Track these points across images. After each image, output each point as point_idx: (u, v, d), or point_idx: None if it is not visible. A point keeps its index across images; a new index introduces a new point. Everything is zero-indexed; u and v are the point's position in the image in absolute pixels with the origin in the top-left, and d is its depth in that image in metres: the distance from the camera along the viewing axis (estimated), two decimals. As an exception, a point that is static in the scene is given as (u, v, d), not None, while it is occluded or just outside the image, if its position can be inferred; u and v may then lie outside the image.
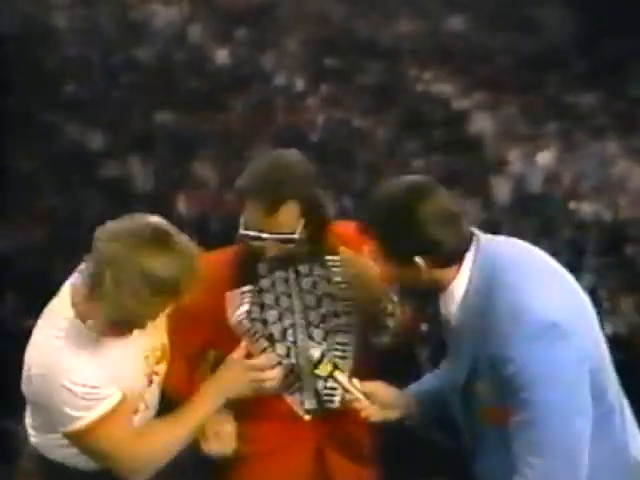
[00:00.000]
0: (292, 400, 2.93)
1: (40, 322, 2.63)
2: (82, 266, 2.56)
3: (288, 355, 2.90)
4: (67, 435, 2.58)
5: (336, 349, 2.94)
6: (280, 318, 2.90)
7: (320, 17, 8.37)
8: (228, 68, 7.75)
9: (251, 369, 2.65)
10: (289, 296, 2.91)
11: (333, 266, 2.96)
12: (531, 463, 2.43)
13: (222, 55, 7.85)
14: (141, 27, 8.13)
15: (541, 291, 2.46)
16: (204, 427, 2.74)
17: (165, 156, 6.62)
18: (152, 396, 2.72)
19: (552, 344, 2.40)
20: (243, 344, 2.67)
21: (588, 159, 6.80)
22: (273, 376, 2.67)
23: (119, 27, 8.04)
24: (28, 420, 2.75)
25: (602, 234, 5.92)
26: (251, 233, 2.76)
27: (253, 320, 2.88)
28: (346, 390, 2.73)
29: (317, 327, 2.92)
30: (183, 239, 2.51)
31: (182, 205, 6.28)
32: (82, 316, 2.53)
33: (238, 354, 2.65)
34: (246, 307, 2.85)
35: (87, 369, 2.54)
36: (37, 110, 6.98)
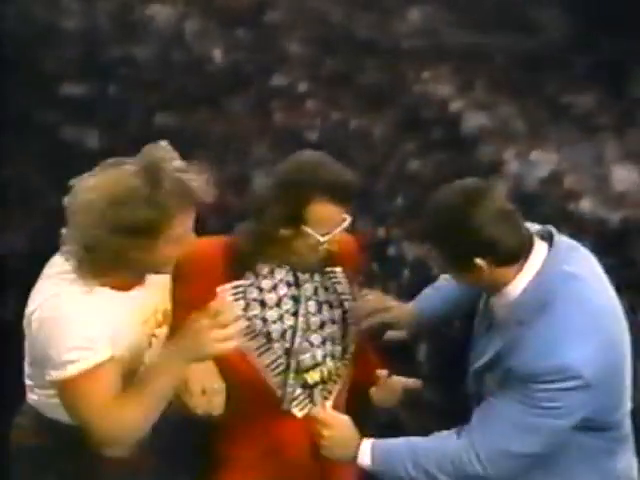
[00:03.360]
0: (284, 400, 2.93)
1: (44, 274, 2.64)
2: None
3: (285, 355, 2.91)
4: (53, 384, 2.58)
5: (333, 356, 2.95)
6: (281, 319, 2.90)
7: (319, 17, 8.36)
8: (227, 68, 7.74)
9: (214, 327, 2.58)
10: (293, 299, 2.91)
11: (331, 277, 2.97)
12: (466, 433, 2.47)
13: (221, 55, 7.83)
14: (140, 27, 8.11)
15: (581, 343, 2.47)
16: (189, 384, 2.70)
17: (163, 156, 6.60)
18: (151, 359, 2.71)
19: (567, 389, 2.42)
20: (210, 305, 2.62)
21: (586, 159, 6.79)
22: (235, 332, 2.61)
23: (118, 27, 8.02)
24: (27, 376, 2.75)
25: (601, 234, 5.92)
26: (332, 234, 2.79)
27: (252, 317, 2.87)
28: (313, 404, 2.74)
29: (315, 332, 2.92)
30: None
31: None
32: (76, 270, 2.56)
33: (198, 314, 2.59)
34: (241, 303, 2.84)
35: (87, 319, 2.55)
36: (34, 110, 6.97)
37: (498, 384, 2.53)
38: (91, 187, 2.57)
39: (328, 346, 2.94)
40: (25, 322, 2.64)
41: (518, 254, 2.54)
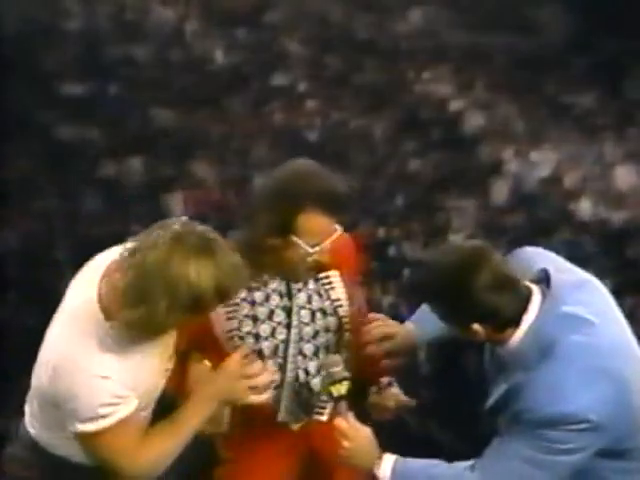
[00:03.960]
0: (280, 413, 2.92)
1: (61, 316, 2.61)
2: (115, 256, 2.54)
3: (278, 371, 2.89)
4: (75, 434, 2.57)
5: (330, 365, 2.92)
6: (273, 333, 2.88)
7: (319, 17, 8.35)
8: (227, 68, 7.74)
9: (244, 376, 2.65)
10: (284, 309, 2.89)
11: (325, 283, 2.95)
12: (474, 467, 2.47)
13: (221, 55, 7.83)
14: (140, 27, 8.11)
15: (585, 386, 2.44)
16: None
17: (163, 156, 6.61)
18: (159, 392, 2.74)
19: (576, 430, 2.41)
20: (237, 352, 2.66)
21: (586, 159, 6.79)
22: (265, 382, 2.68)
23: (118, 27, 8.02)
24: (30, 414, 2.73)
25: (601, 234, 5.92)
26: (322, 245, 2.76)
27: (246, 334, 2.86)
28: (338, 415, 2.73)
29: (308, 342, 2.90)
30: (224, 245, 2.49)
31: (180, 205, 6.28)
32: (107, 314, 2.53)
33: (233, 361, 2.65)
34: (234, 323, 2.83)
35: (113, 373, 2.54)
36: (33, 109, 6.97)
37: (508, 424, 2.53)
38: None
39: (322, 355, 2.92)
40: (42, 360, 2.60)
41: (516, 320, 2.51)
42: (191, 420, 2.63)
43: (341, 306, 2.94)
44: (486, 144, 6.94)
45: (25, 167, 6.38)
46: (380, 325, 2.94)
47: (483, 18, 8.38)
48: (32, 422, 2.74)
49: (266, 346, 2.87)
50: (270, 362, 2.86)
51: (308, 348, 2.91)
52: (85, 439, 2.58)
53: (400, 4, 8.57)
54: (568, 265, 2.67)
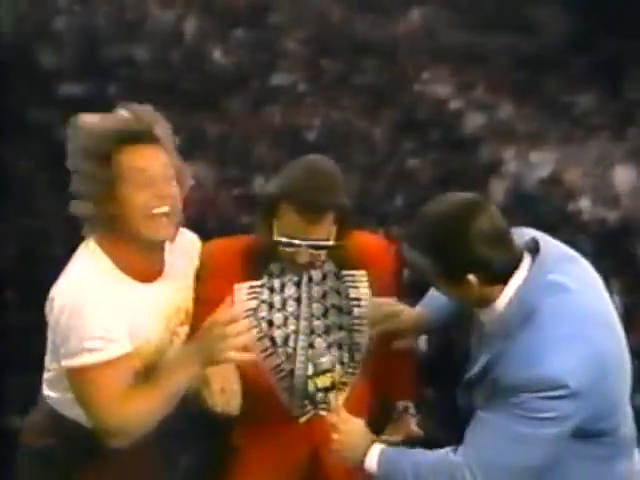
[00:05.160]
0: (287, 403, 2.93)
1: (74, 259, 2.64)
2: None
3: (288, 360, 2.89)
4: (66, 370, 2.58)
5: (340, 363, 2.93)
6: (285, 323, 2.89)
7: (319, 17, 8.36)
8: (226, 68, 7.74)
9: (225, 335, 2.60)
10: (296, 300, 2.90)
11: (347, 281, 2.94)
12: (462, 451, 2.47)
13: (220, 55, 7.84)
14: (140, 27, 8.12)
15: (565, 352, 2.44)
16: (210, 382, 2.75)
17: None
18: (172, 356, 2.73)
19: (554, 397, 2.40)
20: (220, 310, 2.63)
21: (586, 159, 6.79)
22: (243, 328, 2.62)
23: (117, 26, 8.02)
24: (45, 373, 2.75)
25: (601, 234, 5.92)
26: (290, 241, 2.73)
27: (260, 319, 2.87)
28: (328, 410, 2.73)
29: (319, 337, 2.90)
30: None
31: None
32: (103, 246, 2.57)
33: (214, 319, 2.62)
34: (254, 303, 2.84)
35: (108, 309, 2.55)
36: (33, 109, 6.97)
37: (486, 397, 2.52)
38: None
39: (334, 352, 2.92)
40: (47, 307, 2.63)
41: (509, 273, 2.51)
42: (174, 377, 2.59)
43: (359, 306, 2.94)
44: (486, 144, 6.94)
45: (25, 167, 6.38)
46: (382, 305, 2.94)
47: (483, 18, 8.39)
48: (47, 378, 2.75)
49: (278, 334, 2.88)
50: (281, 350, 2.87)
51: (319, 342, 2.91)
52: (71, 378, 2.58)
53: (400, 4, 8.57)
54: (558, 242, 2.69)
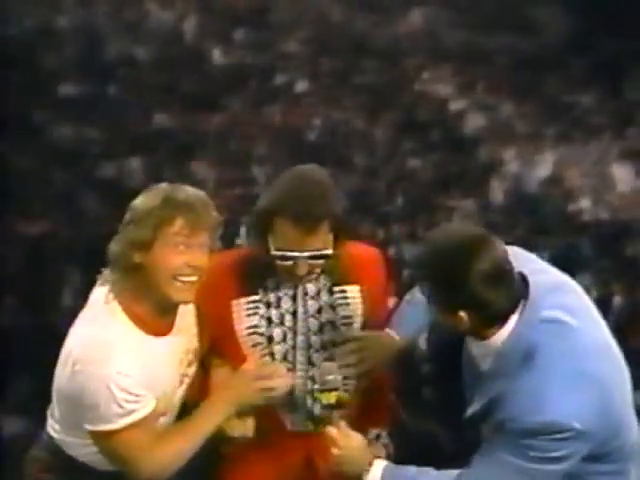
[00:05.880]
0: (285, 418, 2.92)
1: (84, 314, 2.62)
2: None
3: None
4: (91, 433, 2.58)
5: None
6: (284, 338, 2.88)
7: (319, 17, 8.36)
8: (227, 68, 7.74)
9: (259, 378, 2.67)
10: (293, 314, 2.88)
11: (339, 297, 2.93)
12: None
13: (220, 55, 7.84)
14: (140, 26, 8.12)
15: (567, 394, 2.42)
16: None
17: (163, 156, 6.61)
18: (179, 399, 2.74)
19: (560, 439, 2.39)
20: (253, 355, 2.67)
21: (586, 159, 6.79)
22: (281, 384, 2.69)
23: (117, 26, 8.02)
24: (53, 415, 2.74)
25: (601, 234, 5.91)
26: (287, 254, 2.71)
27: (261, 335, 2.86)
28: (330, 424, 2.73)
29: (317, 352, 2.89)
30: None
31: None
32: (123, 303, 2.56)
33: (249, 364, 2.67)
34: (255, 320, 2.83)
35: (132, 372, 2.55)
36: (33, 109, 6.97)
37: (492, 432, 2.52)
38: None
39: (343, 371, 2.91)
40: (63, 359, 2.61)
41: (504, 317, 2.49)
42: (206, 422, 2.66)
43: (350, 324, 2.93)
44: (486, 144, 6.94)
45: (25, 167, 6.38)
46: (347, 349, 2.92)
47: (483, 18, 8.39)
48: (54, 425, 2.74)
49: (277, 350, 2.87)
50: (281, 366, 2.86)
51: (317, 358, 2.91)
52: (100, 437, 2.59)
53: (400, 4, 8.57)
54: (543, 265, 2.66)
